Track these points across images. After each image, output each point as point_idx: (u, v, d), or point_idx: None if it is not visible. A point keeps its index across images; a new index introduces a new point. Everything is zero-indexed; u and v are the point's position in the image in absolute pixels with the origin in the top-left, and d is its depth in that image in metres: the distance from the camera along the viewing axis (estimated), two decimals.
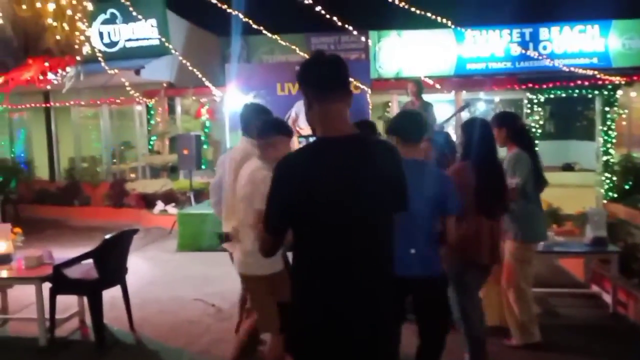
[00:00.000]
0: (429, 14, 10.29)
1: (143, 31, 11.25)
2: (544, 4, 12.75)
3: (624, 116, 10.33)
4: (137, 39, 11.44)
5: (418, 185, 2.64)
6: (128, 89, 10.89)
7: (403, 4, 9.51)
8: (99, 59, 9.05)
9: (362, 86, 9.95)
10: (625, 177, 4.97)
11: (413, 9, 10.41)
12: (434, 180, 2.96)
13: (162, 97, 11.64)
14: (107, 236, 4.66)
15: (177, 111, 11.90)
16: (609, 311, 4.99)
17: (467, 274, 3.48)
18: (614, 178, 9.77)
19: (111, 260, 4.68)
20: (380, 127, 11.14)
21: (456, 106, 10.85)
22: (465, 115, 8.51)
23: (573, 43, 12.12)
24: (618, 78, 9.82)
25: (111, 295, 4.89)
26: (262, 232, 2.02)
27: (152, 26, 10.96)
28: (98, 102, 12.41)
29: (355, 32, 10.82)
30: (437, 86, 9.89)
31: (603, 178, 10.04)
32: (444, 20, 10.30)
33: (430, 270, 2.98)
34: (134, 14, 10.45)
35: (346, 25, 10.27)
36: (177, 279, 6.59)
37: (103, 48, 11.56)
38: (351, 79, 8.31)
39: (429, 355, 3.11)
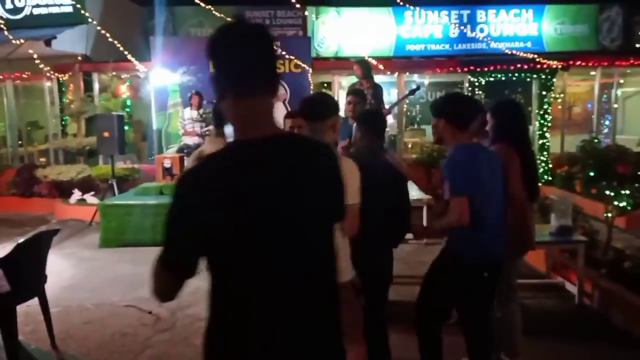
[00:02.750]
0: None
1: None
2: None
3: (559, 100, 10.51)
4: (46, 5, 10.07)
5: (492, 167, 2.93)
6: (37, 62, 9.59)
7: None
8: (1, 27, 7.84)
9: (303, 65, 9.38)
10: (588, 164, 4.84)
11: None
12: (495, 161, 3.01)
13: (77, 72, 10.39)
14: (21, 240, 3.81)
15: (94, 88, 10.69)
16: (575, 302, 4.85)
17: (514, 262, 3.43)
18: (549, 162, 10.02)
19: (26, 269, 3.84)
20: None
21: (398, 88, 10.57)
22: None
23: (508, 26, 12.18)
24: (555, 62, 9.91)
25: (25, 304, 4.05)
26: (157, 270, 1.46)
27: None
28: (0, 77, 10.91)
29: (298, 5, 10.15)
30: (381, 67, 9.50)
31: (538, 161, 10.21)
32: None
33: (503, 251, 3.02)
34: None
35: None
36: (103, 280, 5.75)
37: (5, 15, 10.13)
38: (291, 57, 7.68)
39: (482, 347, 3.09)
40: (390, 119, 9.70)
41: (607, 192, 4.97)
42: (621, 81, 11.79)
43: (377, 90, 6.86)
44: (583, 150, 5.17)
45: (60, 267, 6.16)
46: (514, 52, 10.77)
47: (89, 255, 6.71)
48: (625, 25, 12.31)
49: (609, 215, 5.25)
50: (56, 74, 10.30)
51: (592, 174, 4.96)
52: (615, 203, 5.16)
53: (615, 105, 11.68)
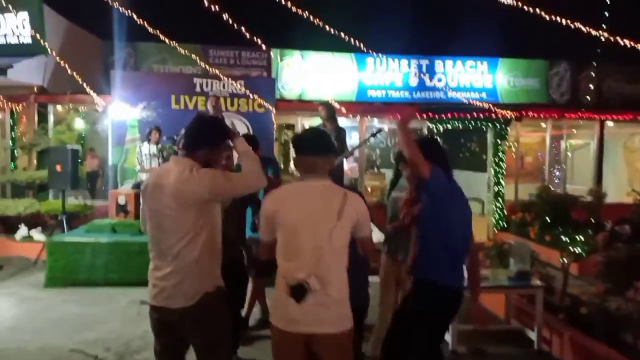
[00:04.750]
0: (331, 33, 10.14)
1: (12, 25, 9.65)
2: (439, 39, 13.26)
3: (512, 150, 10.90)
4: (4, 35, 9.78)
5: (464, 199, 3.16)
6: None
7: (311, 20, 9.21)
8: None
9: (266, 105, 9.41)
10: (544, 210, 4.96)
11: (316, 31, 10.21)
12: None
13: (32, 103, 10.04)
14: None
15: (49, 120, 10.35)
16: (534, 348, 4.86)
17: None
18: (502, 209, 10.30)
19: None
20: (276, 149, 10.72)
21: (360, 132, 10.72)
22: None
23: (465, 77, 12.67)
24: (510, 112, 10.33)
25: None
26: None
27: (24, 20, 9.45)
28: None
29: (263, 46, 10.26)
30: (343, 110, 9.64)
31: (493, 208, 10.46)
32: (351, 41, 10.18)
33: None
34: (3, 4, 8.92)
35: (254, 38, 9.70)
36: (46, 322, 5.39)
37: None
38: (255, 97, 7.67)
39: None
40: (351, 162, 9.79)
41: (563, 238, 5.08)
42: (574, 131, 12.33)
43: (340, 132, 6.95)
44: (539, 197, 5.31)
45: (0, 307, 5.77)
46: (471, 101, 11.18)
47: (32, 295, 6.31)
48: (573, 80, 13.03)
49: (565, 260, 5.36)
50: (10, 104, 9.92)
51: (548, 219, 5.07)
52: (570, 249, 5.28)
53: (569, 154, 12.17)
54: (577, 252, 5.11)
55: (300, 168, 2.60)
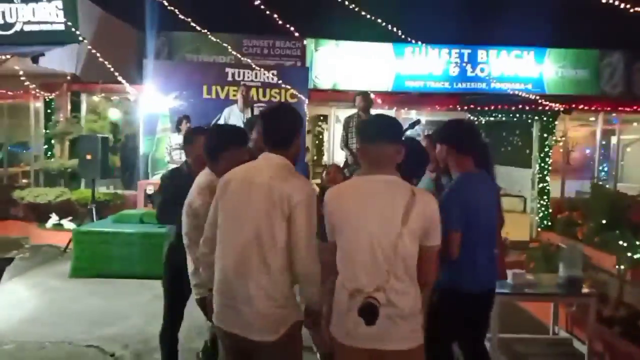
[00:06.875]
0: (368, 21, 9.74)
1: (46, 13, 9.63)
2: (482, 27, 12.64)
3: (560, 144, 10.24)
4: (38, 22, 9.76)
5: (489, 196, 2.95)
6: (22, 79, 9.23)
7: (347, 7, 8.83)
8: None
9: (299, 95, 9.10)
10: (597, 210, 4.46)
11: (352, 19, 9.85)
12: (495, 190, 3.07)
13: (65, 92, 10.03)
14: None
15: (82, 109, 10.32)
16: None
17: None
18: (547, 207, 9.69)
19: None
20: (309, 141, 10.40)
21: None
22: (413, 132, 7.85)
23: (509, 67, 12.00)
24: (558, 105, 9.69)
25: None
26: None
27: (57, 8, 9.40)
28: None
29: (297, 34, 9.94)
30: (379, 101, 9.24)
31: (538, 205, 9.87)
32: (388, 28, 9.76)
33: (495, 283, 3.07)
34: None
35: (287, 26, 9.39)
36: (67, 315, 5.23)
37: None
38: (288, 87, 7.31)
39: None
40: None
41: (620, 242, 4.57)
42: (629, 125, 11.53)
43: None
44: (593, 196, 4.81)
45: (23, 298, 5.69)
46: (518, 92, 10.55)
47: (57, 286, 6.20)
48: (626, 71, 12.19)
49: (621, 267, 4.85)
50: (43, 93, 9.93)
51: (603, 221, 4.56)
52: (628, 254, 4.77)
53: (622, 151, 11.43)
54: (636, 257, 4.58)
55: (364, 160, 2.24)
